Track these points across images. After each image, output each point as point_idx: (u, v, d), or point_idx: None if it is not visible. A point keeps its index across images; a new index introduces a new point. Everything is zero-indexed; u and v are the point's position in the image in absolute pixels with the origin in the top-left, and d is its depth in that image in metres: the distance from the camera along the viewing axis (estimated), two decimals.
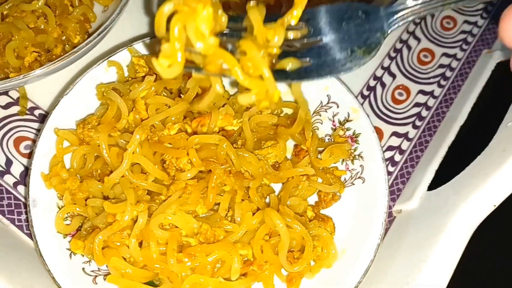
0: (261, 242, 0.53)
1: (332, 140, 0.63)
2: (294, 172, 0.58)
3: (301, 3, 0.43)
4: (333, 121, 0.64)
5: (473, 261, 0.55)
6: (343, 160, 0.62)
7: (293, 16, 0.43)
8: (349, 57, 0.45)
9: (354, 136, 0.62)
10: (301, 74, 0.45)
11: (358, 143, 0.61)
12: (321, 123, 0.64)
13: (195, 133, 0.57)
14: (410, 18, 0.44)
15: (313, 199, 0.61)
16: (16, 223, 0.56)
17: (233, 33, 0.45)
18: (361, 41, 0.45)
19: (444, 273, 0.49)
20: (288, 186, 0.58)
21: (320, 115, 0.65)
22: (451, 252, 0.51)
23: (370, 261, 0.52)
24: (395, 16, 0.44)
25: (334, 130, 0.64)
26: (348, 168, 0.62)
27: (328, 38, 0.46)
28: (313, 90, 0.64)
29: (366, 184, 0.59)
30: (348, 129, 0.63)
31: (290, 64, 0.44)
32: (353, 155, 0.62)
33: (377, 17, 0.44)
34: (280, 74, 0.44)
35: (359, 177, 0.60)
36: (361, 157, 0.61)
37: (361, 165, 0.60)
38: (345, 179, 0.61)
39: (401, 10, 0.43)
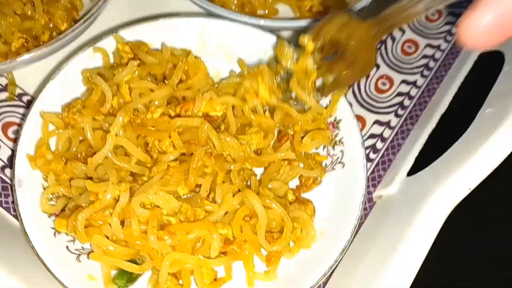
0: (241, 222, 0.54)
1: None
2: (275, 157, 0.59)
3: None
4: None
5: (448, 242, 0.57)
6: (324, 146, 0.64)
7: None
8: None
9: (335, 122, 0.63)
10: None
11: (339, 129, 0.63)
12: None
13: (178, 117, 0.58)
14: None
15: (294, 183, 0.62)
16: (4, 205, 0.57)
17: None
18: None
19: (419, 254, 0.51)
20: (270, 170, 0.59)
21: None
22: (426, 233, 0.52)
23: (347, 241, 0.54)
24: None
25: None
26: (329, 154, 0.63)
27: None
28: None
29: (345, 168, 0.60)
30: (329, 116, 0.64)
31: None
32: (334, 141, 0.63)
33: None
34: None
35: (339, 162, 0.62)
36: (342, 142, 0.62)
37: (341, 151, 0.62)
38: (326, 164, 0.63)
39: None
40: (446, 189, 0.54)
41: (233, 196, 0.55)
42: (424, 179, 0.61)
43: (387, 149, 0.69)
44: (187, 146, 0.54)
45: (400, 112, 0.72)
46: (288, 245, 0.55)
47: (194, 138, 0.56)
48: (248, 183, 0.58)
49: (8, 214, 0.57)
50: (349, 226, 0.55)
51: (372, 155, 0.68)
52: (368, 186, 0.64)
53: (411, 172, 0.65)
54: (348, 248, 0.54)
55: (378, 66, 0.75)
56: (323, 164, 0.63)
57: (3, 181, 0.59)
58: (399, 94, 0.73)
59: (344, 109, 0.63)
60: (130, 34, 0.63)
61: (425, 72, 0.75)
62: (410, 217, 0.54)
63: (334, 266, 0.53)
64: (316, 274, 0.53)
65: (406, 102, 0.73)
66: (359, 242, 0.55)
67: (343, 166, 0.61)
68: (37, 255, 0.49)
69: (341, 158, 0.62)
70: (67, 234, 0.53)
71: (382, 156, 0.68)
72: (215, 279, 0.54)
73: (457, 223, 0.55)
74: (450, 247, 0.65)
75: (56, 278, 0.48)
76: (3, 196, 0.58)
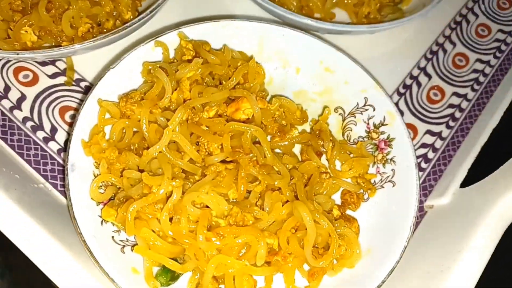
0: (288, 233, 0.53)
1: (366, 140, 0.63)
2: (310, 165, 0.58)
3: None
4: (368, 124, 0.64)
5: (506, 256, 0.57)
6: (374, 163, 0.62)
7: None
8: None
9: (388, 140, 0.62)
10: None
11: (392, 147, 0.61)
12: (355, 125, 0.65)
13: (231, 118, 0.58)
14: None
15: (339, 200, 0.61)
16: (59, 188, 0.58)
17: None
18: None
19: (476, 268, 0.51)
20: (312, 181, 0.58)
21: (355, 117, 0.65)
22: (484, 247, 0.53)
23: (396, 262, 0.52)
24: None
25: (368, 133, 0.64)
26: (378, 171, 0.62)
27: None
28: (350, 92, 0.65)
29: (396, 188, 0.59)
30: (382, 133, 0.63)
31: None
32: (385, 159, 0.62)
33: None
34: None
35: (389, 181, 0.60)
36: (393, 161, 0.61)
37: (392, 169, 0.61)
38: (374, 181, 0.61)
39: None
40: (504, 204, 0.55)
41: (282, 205, 0.53)
42: (480, 192, 0.61)
43: (438, 159, 0.69)
44: (231, 153, 0.54)
45: (451, 123, 0.72)
46: (332, 262, 0.54)
47: (241, 145, 0.55)
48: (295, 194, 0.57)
49: (63, 196, 0.58)
50: (398, 247, 0.53)
51: (423, 165, 0.68)
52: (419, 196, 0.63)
53: (463, 184, 0.65)
54: (396, 267, 0.53)
55: (430, 76, 0.76)
56: (372, 182, 0.61)
57: (59, 164, 0.59)
58: (450, 105, 0.74)
59: (398, 128, 0.62)
60: (190, 32, 0.63)
61: (476, 86, 0.76)
62: (467, 229, 0.54)
63: (381, 286, 0.52)
64: None
65: (457, 114, 0.73)
66: (409, 251, 0.54)
67: (393, 185, 0.60)
68: (84, 242, 0.49)
69: (392, 177, 0.60)
70: (113, 224, 0.53)
71: (434, 166, 0.69)
72: None
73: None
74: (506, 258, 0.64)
75: (101, 267, 0.48)
76: (58, 179, 0.58)
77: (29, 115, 0.61)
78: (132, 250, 0.52)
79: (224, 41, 0.65)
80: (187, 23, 0.63)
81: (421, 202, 0.65)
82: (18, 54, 0.57)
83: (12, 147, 0.59)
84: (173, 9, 0.71)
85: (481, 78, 0.77)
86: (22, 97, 0.62)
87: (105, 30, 0.62)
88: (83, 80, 0.64)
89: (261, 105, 0.58)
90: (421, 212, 0.65)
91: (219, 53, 0.61)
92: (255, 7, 0.74)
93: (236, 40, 0.65)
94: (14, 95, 0.62)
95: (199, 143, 0.55)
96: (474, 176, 0.65)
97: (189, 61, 0.59)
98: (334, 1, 0.75)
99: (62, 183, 0.58)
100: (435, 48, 0.79)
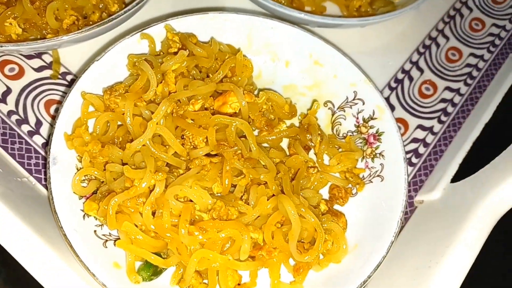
0: (273, 228, 0.52)
1: (355, 134, 0.62)
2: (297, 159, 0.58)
3: None
4: (357, 118, 0.63)
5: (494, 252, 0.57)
6: (363, 157, 0.61)
7: None
8: None
9: (377, 135, 0.61)
10: None
11: (381, 142, 0.61)
12: (344, 119, 0.64)
13: (218, 111, 0.57)
14: None
15: (327, 195, 0.60)
16: (43, 182, 0.57)
17: None
18: None
19: (465, 263, 0.51)
20: (299, 176, 0.57)
21: (344, 111, 0.64)
22: (473, 242, 0.52)
23: (382, 257, 0.52)
24: None
25: (357, 127, 0.63)
26: (367, 166, 0.61)
27: None
28: (339, 85, 0.64)
29: (384, 183, 0.58)
30: (371, 127, 0.62)
31: None
32: (374, 153, 0.61)
33: None
34: None
35: (378, 175, 0.59)
36: (382, 155, 0.60)
37: (381, 164, 0.60)
38: (363, 176, 0.61)
39: None
40: (494, 198, 0.54)
41: (267, 200, 0.53)
42: (471, 186, 0.60)
43: (429, 154, 0.68)
44: (216, 146, 0.53)
45: (443, 118, 0.72)
46: (318, 257, 0.53)
47: (226, 138, 0.54)
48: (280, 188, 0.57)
49: (47, 190, 0.56)
50: (386, 242, 0.53)
51: (414, 160, 0.68)
52: (409, 191, 0.64)
53: (454, 179, 0.64)
54: (382, 262, 0.52)
55: (422, 71, 0.75)
56: (360, 176, 0.61)
57: (43, 158, 0.59)
58: (443, 100, 0.73)
59: (388, 122, 0.61)
60: (177, 24, 0.62)
61: (468, 81, 0.76)
62: (456, 224, 0.54)
63: (368, 281, 0.51)
64: None
65: (449, 109, 0.73)
66: (399, 246, 0.54)
67: (382, 180, 0.59)
68: (65, 236, 0.48)
69: (380, 172, 0.59)
70: (95, 218, 0.52)
71: (424, 161, 0.68)
72: (239, 284, 0.52)
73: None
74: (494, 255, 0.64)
75: (81, 261, 0.47)
76: (42, 173, 0.57)
77: (14, 109, 0.61)
78: (114, 245, 0.51)
79: (212, 33, 0.64)
80: (176, 15, 0.63)
81: (411, 197, 0.64)
82: (2, 46, 0.56)
83: None
84: (162, 1, 0.71)
85: (474, 73, 0.76)
86: (8, 91, 0.61)
87: (91, 23, 0.61)
88: (69, 73, 0.64)
89: (248, 99, 0.57)
90: (411, 207, 0.64)
91: (206, 46, 0.61)
92: (245, 0, 0.73)
93: (225, 33, 0.65)
94: None
95: (184, 137, 0.54)
96: (465, 171, 0.64)
97: (175, 53, 0.58)
98: None
99: (45, 177, 0.57)
100: (428, 42, 0.78)
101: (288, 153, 0.61)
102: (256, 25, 0.65)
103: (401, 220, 0.54)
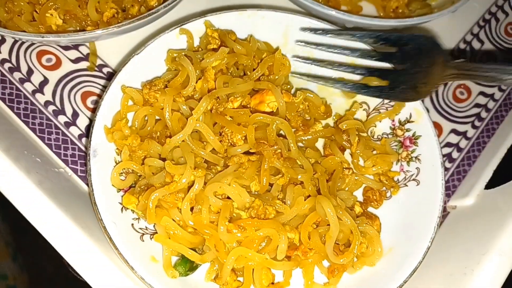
0: (309, 228, 0.52)
1: (390, 136, 0.62)
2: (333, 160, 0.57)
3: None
4: (393, 120, 0.63)
5: None
6: (398, 160, 0.61)
7: None
8: (411, 89, 0.58)
9: (413, 138, 0.61)
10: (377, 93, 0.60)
11: (417, 145, 0.60)
12: (380, 121, 0.63)
13: (255, 110, 0.57)
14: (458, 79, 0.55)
15: (361, 197, 0.60)
16: (79, 173, 0.58)
17: None
18: (423, 81, 0.56)
19: (504, 267, 0.50)
20: (335, 176, 0.57)
21: (379, 112, 0.64)
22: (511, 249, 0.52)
23: (419, 262, 0.51)
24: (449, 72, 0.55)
25: (393, 129, 0.62)
26: (402, 169, 0.60)
27: (403, 66, 0.59)
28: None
29: (420, 187, 0.58)
30: (407, 130, 0.61)
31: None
32: (409, 157, 0.60)
33: (438, 65, 0.56)
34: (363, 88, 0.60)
35: (413, 179, 0.59)
36: (418, 159, 0.59)
37: (417, 168, 0.59)
38: (398, 179, 0.60)
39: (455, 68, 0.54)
40: None
41: (304, 200, 0.53)
42: (506, 194, 0.59)
43: (463, 159, 0.68)
44: (256, 144, 0.53)
45: (477, 123, 0.71)
46: (353, 260, 0.53)
47: (265, 137, 0.54)
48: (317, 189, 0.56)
49: (82, 182, 0.57)
50: (421, 247, 0.52)
51: (447, 164, 0.67)
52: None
53: (488, 186, 0.63)
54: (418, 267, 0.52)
55: None
56: (395, 179, 0.60)
57: (80, 149, 0.59)
58: (477, 105, 0.72)
59: (425, 126, 0.60)
60: (215, 20, 0.62)
61: (503, 87, 0.75)
62: (492, 231, 0.54)
63: (403, 285, 0.51)
64: None
65: (483, 114, 0.72)
66: (432, 251, 0.53)
67: (418, 184, 0.58)
68: (104, 228, 0.48)
69: (416, 176, 0.59)
70: (132, 211, 0.52)
71: (458, 166, 0.67)
72: (272, 283, 0.52)
73: None
74: None
75: (120, 254, 0.47)
76: (79, 165, 0.58)
77: (51, 99, 0.61)
78: (151, 239, 0.52)
79: (249, 30, 0.64)
80: (212, 11, 0.62)
81: (444, 202, 0.64)
82: (43, 37, 0.56)
83: (34, 130, 0.59)
84: None
85: None
86: (45, 81, 0.62)
87: (130, 16, 0.61)
88: (106, 66, 0.64)
89: (286, 98, 0.57)
90: (444, 212, 0.63)
91: (245, 43, 0.60)
92: None
93: (261, 30, 0.64)
94: (36, 78, 0.62)
95: (222, 134, 0.54)
96: (499, 178, 0.63)
97: (214, 50, 0.58)
98: None
99: (82, 168, 0.58)
100: (462, 45, 0.77)
101: (323, 154, 0.60)
102: (292, 22, 0.64)
103: (437, 225, 0.54)
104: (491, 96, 0.73)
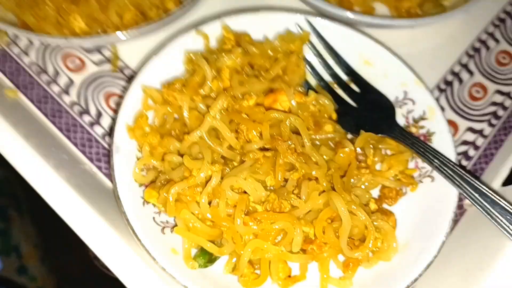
0: (324, 223, 0.53)
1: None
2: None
3: None
4: (407, 118, 0.63)
5: None
6: (412, 157, 0.62)
7: None
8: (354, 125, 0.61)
9: (427, 135, 0.61)
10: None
11: (431, 142, 0.61)
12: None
13: (269, 108, 0.59)
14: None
15: (376, 193, 0.61)
16: (103, 170, 0.60)
17: None
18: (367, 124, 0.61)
19: None
20: (350, 172, 0.58)
21: None
22: None
23: (433, 257, 0.52)
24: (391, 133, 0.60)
25: (407, 127, 0.63)
26: (417, 166, 0.61)
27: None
28: (389, 85, 0.65)
29: (435, 183, 0.58)
30: (421, 127, 0.62)
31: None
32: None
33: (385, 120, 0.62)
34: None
35: (428, 176, 0.59)
36: None
37: None
38: (413, 176, 0.61)
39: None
40: None
41: (318, 195, 0.54)
42: None
43: (479, 157, 0.68)
44: (270, 140, 0.54)
45: (493, 121, 0.71)
46: (368, 254, 0.54)
47: (279, 133, 0.56)
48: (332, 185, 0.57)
49: (107, 179, 0.60)
50: (436, 242, 0.53)
51: (464, 162, 0.67)
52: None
53: (505, 183, 0.63)
54: (433, 262, 0.52)
55: (471, 73, 0.74)
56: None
57: (104, 147, 0.61)
58: (493, 103, 0.72)
59: (439, 123, 0.61)
60: (230, 22, 0.64)
61: None
62: None
63: (418, 279, 0.51)
64: (397, 287, 0.51)
65: (500, 112, 0.72)
66: (449, 247, 0.54)
67: (432, 180, 0.59)
68: (128, 221, 0.50)
69: (431, 172, 0.59)
70: (154, 205, 0.55)
71: (474, 164, 0.67)
72: (289, 276, 0.54)
73: None
74: None
75: (143, 246, 0.49)
76: (102, 162, 0.60)
77: (76, 100, 0.64)
78: (171, 232, 0.54)
79: (264, 31, 0.65)
80: (228, 13, 0.64)
81: (460, 200, 0.64)
82: (67, 40, 0.59)
83: (60, 129, 0.62)
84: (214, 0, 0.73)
85: None
86: (70, 83, 0.65)
87: (149, 19, 0.64)
88: (127, 67, 0.67)
89: (298, 99, 0.58)
90: (461, 210, 0.63)
91: (259, 44, 0.62)
92: None
93: (276, 31, 0.66)
94: (62, 80, 0.65)
95: (238, 130, 0.56)
96: None
97: (230, 51, 0.60)
98: None
99: (106, 165, 0.60)
100: (477, 45, 0.77)
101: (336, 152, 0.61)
102: (306, 24, 0.66)
103: (452, 220, 0.54)
104: (508, 95, 0.73)
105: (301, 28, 0.66)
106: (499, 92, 0.73)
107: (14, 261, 0.92)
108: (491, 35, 0.78)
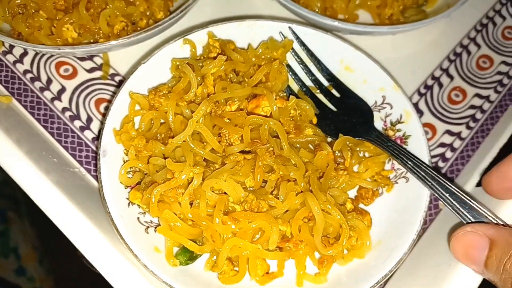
0: (300, 222, 0.55)
1: None
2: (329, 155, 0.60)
3: None
4: (385, 121, 0.66)
5: None
6: (389, 159, 0.64)
7: None
8: (334, 129, 0.65)
9: (403, 138, 0.64)
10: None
11: (407, 144, 0.63)
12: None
13: (251, 113, 0.61)
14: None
15: (353, 194, 0.63)
16: (92, 173, 0.63)
17: None
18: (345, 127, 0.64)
19: None
20: (327, 173, 0.60)
21: None
22: None
23: (404, 254, 0.54)
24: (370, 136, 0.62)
25: (385, 130, 0.66)
26: (393, 168, 0.63)
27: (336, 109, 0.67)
28: (368, 90, 0.67)
29: (409, 183, 0.61)
30: (398, 130, 0.64)
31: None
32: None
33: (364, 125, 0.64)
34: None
35: (403, 177, 0.62)
36: None
37: None
38: (388, 177, 0.63)
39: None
40: None
41: (296, 195, 0.56)
42: None
43: (456, 159, 0.70)
44: (250, 143, 0.57)
45: (471, 124, 0.73)
46: (342, 252, 0.56)
47: (260, 137, 0.58)
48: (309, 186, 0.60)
49: (96, 181, 0.63)
50: (408, 239, 0.55)
51: (441, 164, 0.69)
52: None
53: (479, 184, 0.65)
54: (405, 260, 0.55)
55: (452, 77, 0.77)
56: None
57: (93, 151, 0.65)
58: (472, 107, 0.75)
59: (414, 126, 0.63)
60: (217, 31, 0.67)
61: (499, 88, 0.77)
62: None
63: (389, 276, 0.54)
64: (368, 282, 0.53)
65: (478, 115, 0.74)
66: (423, 245, 0.56)
67: (407, 181, 0.61)
68: (112, 221, 0.53)
69: (406, 173, 0.62)
70: (139, 206, 0.57)
71: (451, 165, 0.70)
72: (267, 272, 0.56)
73: None
74: None
75: (126, 244, 0.52)
76: (92, 165, 0.63)
77: (68, 106, 0.67)
78: (155, 231, 0.56)
79: (249, 39, 0.68)
80: (215, 22, 0.67)
81: (436, 199, 0.66)
82: (60, 49, 0.62)
83: (52, 134, 0.65)
84: (203, 10, 0.76)
85: (505, 80, 0.77)
86: (62, 89, 0.68)
87: (138, 29, 0.67)
88: (117, 74, 0.70)
89: (279, 104, 0.61)
90: (436, 209, 0.66)
91: (243, 51, 0.65)
92: (281, 8, 0.77)
93: (261, 39, 0.69)
94: (55, 87, 0.68)
95: (221, 134, 0.59)
96: None
97: (215, 58, 0.63)
98: (357, 3, 0.77)
99: (95, 168, 0.63)
100: (459, 50, 0.79)
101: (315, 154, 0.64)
102: (289, 31, 0.68)
103: (424, 220, 0.56)
104: (487, 98, 0.75)
105: (284, 36, 0.68)
106: (479, 95, 0.75)
107: (13, 262, 0.96)
108: (473, 40, 0.80)
